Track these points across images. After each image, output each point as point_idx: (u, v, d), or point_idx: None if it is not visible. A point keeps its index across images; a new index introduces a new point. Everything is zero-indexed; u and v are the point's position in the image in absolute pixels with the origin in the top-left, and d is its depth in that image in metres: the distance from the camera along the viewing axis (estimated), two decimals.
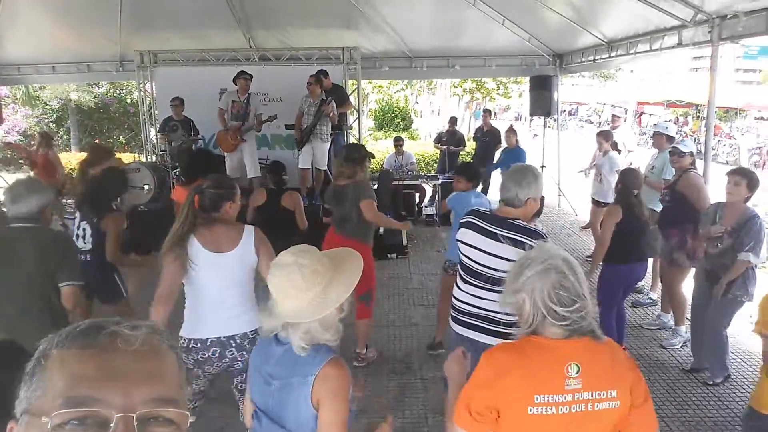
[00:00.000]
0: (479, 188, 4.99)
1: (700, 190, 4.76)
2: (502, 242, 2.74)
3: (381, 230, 6.92)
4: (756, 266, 3.94)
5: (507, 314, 2.81)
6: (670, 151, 5.07)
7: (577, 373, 1.56)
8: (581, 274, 1.65)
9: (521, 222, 2.78)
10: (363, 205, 4.13)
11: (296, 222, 4.68)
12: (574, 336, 1.61)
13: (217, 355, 2.72)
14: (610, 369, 1.61)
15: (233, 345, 2.73)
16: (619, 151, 7.79)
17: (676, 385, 4.26)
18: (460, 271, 3.04)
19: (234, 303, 2.75)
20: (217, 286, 2.73)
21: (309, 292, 1.62)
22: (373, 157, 5.10)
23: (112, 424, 0.65)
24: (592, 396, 1.56)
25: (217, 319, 2.73)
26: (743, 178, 3.93)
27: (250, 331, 2.75)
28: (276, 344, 1.73)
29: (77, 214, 3.99)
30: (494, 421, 1.59)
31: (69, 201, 9.60)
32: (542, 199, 3.67)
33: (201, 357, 2.71)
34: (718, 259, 4.09)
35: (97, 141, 17.46)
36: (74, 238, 3.86)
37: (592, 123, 32.76)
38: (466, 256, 2.95)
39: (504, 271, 2.73)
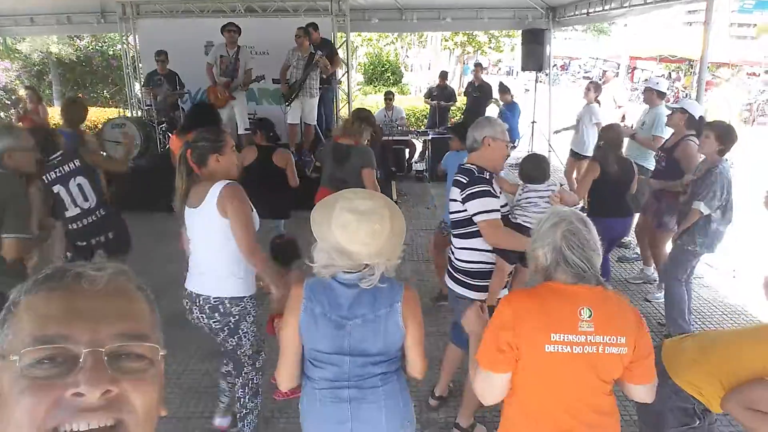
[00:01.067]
0: None
1: (692, 159, 4.64)
2: (453, 186, 2.89)
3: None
4: (710, 217, 3.93)
5: (461, 260, 2.93)
6: (654, 109, 5.03)
7: (589, 317, 1.70)
8: (592, 227, 1.80)
9: (471, 165, 2.85)
10: (365, 173, 4.12)
11: (287, 179, 4.65)
12: (583, 283, 1.75)
13: (188, 307, 2.75)
14: (619, 317, 1.74)
15: (197, 304, 2.70)
16: (619, 107, 7.79)
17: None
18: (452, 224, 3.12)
19: (203, 262, 2.71)
20: (194, 242, 2.74)
21: (384, 233, 1.77)
22: (377, 133, 5.07)
23: (81, 360, 0.66)
24: (603, 340, 1.70)
25: (192, 273, 2.77)
26: (711, 131, 3.92)
27: (214, 298, 2.66)
28: (343, 288, 1.82)
29: (58, 187, 3.62)
30: (515, 361, 1.75)
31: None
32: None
33: (184, 303, 2.77)
34: (682, 209, 4.21)
35: (80, 96, 17.04)
36: (68, 201, 3.63)
37: (589, 77, 32.40)
38: (451, 211, 3.03)
39: (454, 212, 2.88)
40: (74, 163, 3.63)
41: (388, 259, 1.80)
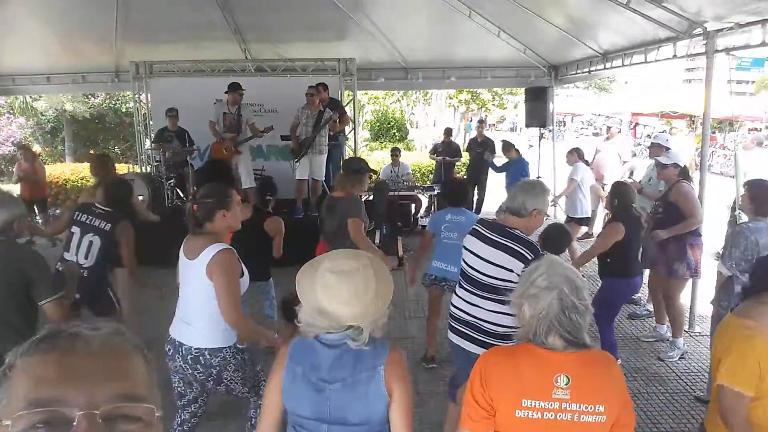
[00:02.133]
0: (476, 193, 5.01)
1: (687, 197, 4.77)
2: (498, 250, 2.81)
3: (377, 239, 6.89)
4: (733, 279, 3.72)
5: (498, 325, 2.84)
6: (655, 163, 5.10)
7: (566, 384, 1.64)
8: (584, 291, 1.72)
9: (520, 233, 2.81)
10: (349, 223, 4.05)
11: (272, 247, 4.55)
12: (570, 348, 1.69)
13: (170, 354, 2.77)
14: (601, 384, 1.68)
15: (179, 353, 2.73)
16: (624, 162, 7.91)
17: (675, 398, 4.22)
18: (460, 278, 3.09)
19: (188, 312, 2.78)
20: (183, 291, 2.82)
21: (369, 294, 1.69)
22: (375, 173, 5.07)
23: (74, 423, 0.65)
24: (579, 408, 1.64)
25: (177, 320, 2.82)
26: (746, 189, 3.89)
27: (195, 348, 2.69)
28: (325, 349, 1.73)
29: (76, 228, 3.80)
30: (493, 421, 1.71)
31: (57, 212, 9.58)
32: None
33: (167, 350, 2.79)
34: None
35: (92, 152, 17.37)
36: (71, 252, 3.75)
37: (598, 134, 32.79)
38: (466, 263, 3.00)
39: (498, 279, 2.81)
40: (106, 225, 3.77)
41: (374, 320, 1.71)
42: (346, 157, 9.59)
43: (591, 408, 1.64)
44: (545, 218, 3.03)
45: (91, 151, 17.45)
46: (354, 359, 1.72)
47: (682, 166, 4.96)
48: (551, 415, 1.64)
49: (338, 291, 1.68)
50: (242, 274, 2.76)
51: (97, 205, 3.86)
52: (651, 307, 5.71)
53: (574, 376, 1.65)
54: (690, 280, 5.02)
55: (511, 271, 2.75)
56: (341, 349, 1.72)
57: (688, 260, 4.75)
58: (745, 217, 4.03)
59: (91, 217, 3.78)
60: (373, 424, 1.74)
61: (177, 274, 2.87)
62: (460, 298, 3.03)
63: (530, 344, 1.72)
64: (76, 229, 3.78)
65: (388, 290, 1.76)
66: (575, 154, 7.62)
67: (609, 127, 8.98)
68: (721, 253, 3.81)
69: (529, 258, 2.70)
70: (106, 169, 5.14)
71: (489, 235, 2.87)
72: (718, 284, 3.80)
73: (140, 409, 0.70)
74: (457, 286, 3.13)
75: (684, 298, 5.10)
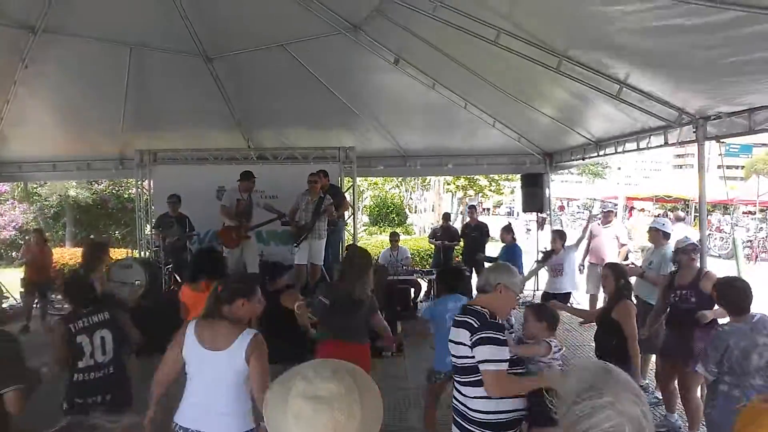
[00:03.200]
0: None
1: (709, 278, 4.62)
2: (458, 328, 2.82)
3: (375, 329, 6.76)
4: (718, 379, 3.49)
5: (480, 411, 2.73)
6: (682, 250, 4.95)
7: None
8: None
9: (480, 308, 2.79)
10: (376, 319, 4.10)
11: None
12: None
13: None
14: None
15: None
16: (623, 245, 7.99)
17: None
18: (455, 372, 2.98)
19: (219, 401, 2.73)
20: (205, 382, 2.76)
21: (353, 426, 1.34)
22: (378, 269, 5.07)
23: None
24: None
25: (196, 410, 2.76)
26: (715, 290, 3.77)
27: None
28: None
29: (81, 337, 3.55)
30: None
31: (59, 297, 9.48)
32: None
33: None
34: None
35: (92, 237, 17.44)
36: (88, 353, 3.54)
37: (595, 216, 33.08)
38: (454, 355, 2.91)
39: (460, 356, 2.75)
40: (104, 315, 3.66)
41: None
42: (345, 241, 9.65)
43: None
44: (518, 298, 3.05)
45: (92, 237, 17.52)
46: None
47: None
48: None
49: (313, 423, 1.31)
50: None
51: (79, 308, 3.67)
52: (659, 395, 5.49)
53: None
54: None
55: (462, 343, 2.74)
56: None
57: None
58: None
59: (86, 318, 3.59)
60: None
61: (182, 362, 2.82)
62: (455, 389, 2.96)
63: None
64: (81, 338, 3.53)
65: (377, 416, 1.41)
66: (562, 239, 7.73)
67: (606, 212, 9.04)
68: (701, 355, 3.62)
69: (474, 325, 2.68)
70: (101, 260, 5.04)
71: (456, 318, 2.90)
72: (705, 385, 3.65)
73: None
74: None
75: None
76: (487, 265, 9.13)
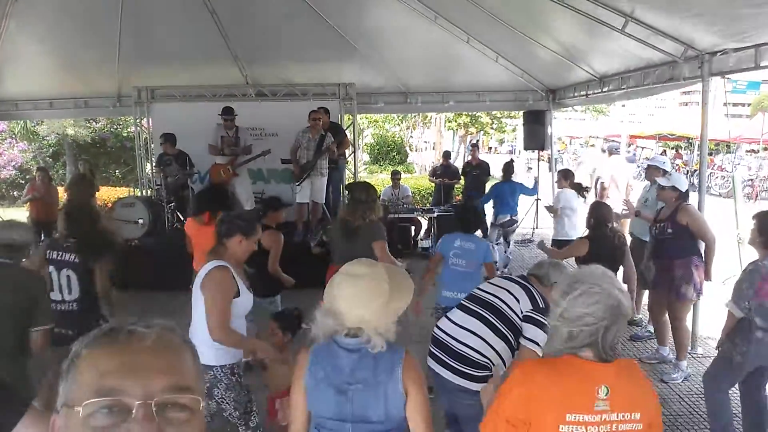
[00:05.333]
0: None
1: (699, 219, 4.78)
2: (512, 282, 2.95)
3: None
4: (752, 323, 3.43)
5: (483, 357, 2.80)
6: (655, 186, 5.11)
7: (606, 395, 1.64)
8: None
9: (540, 291, 2.89)
10: (376, 245, 4.11)
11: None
12: (605, 360, 1.70)
13: None
14: (635, 392, 1.70)
15: None
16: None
17: (679, 421, 4.18)
18: (465, 301, 3.04)
19: (193, 328, 2.83)
20: (195, 311, 2.86)
21: (376, 300, 1.81)
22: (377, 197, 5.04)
23: (133, 411, 0.75)
24: (618, 417, 1.65)
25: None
26: (756, 220, 3.66)
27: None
28: (345, 353, 1.84)
29: (51, 267, 3.61)
30: None
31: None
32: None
33: None
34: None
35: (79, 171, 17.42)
36: (55, 292, 3.58)
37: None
38: (482, 289, 3.02)
39: (499, 298, 2.87)
40: (72, 257, 3.61)
41: (380, 326, 1.81)
42: (346, 180, 9.67)
43: (629, 416, 1.65)
44: None
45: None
46: (374, 361, 1.82)
47: (684, 190, 4.92)
48: (594, 429, 1.63)
49: (341, 290, 1.83)
50: (238, 294, 2.81)
51: (66, 237, 3.69)
52: (652, 329, 5.68)
53: (612, 385, 1.65)
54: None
55: (512, 295, 2.84)
56: (360, 353, 1.82)
57: (694, 281, 4.72)
58: (747, 243, 3.95)
59: (60, 252, 3.62)
60: (393, 421, 1.85)
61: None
62: (454, 322, 2.95)
63: (568, 356, 1.71)
64: (51, 268, 3.61)
65: (400, 300, 1.87)
66: (567, 179, 7.62)
67: (603, 185, 8.89)
68: (733, 290, 3.56)
69: (539, 304, 2.77)
70: (76, 192, 5.02)
71: (518, 279, 3.00)
72: (728, 325, 3.56)
73: (187, 398, 0.80)
74: (453, 311, 3.06)
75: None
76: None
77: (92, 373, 0.78)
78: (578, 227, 7.30)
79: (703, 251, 4.82)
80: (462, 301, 3.06)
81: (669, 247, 4.83)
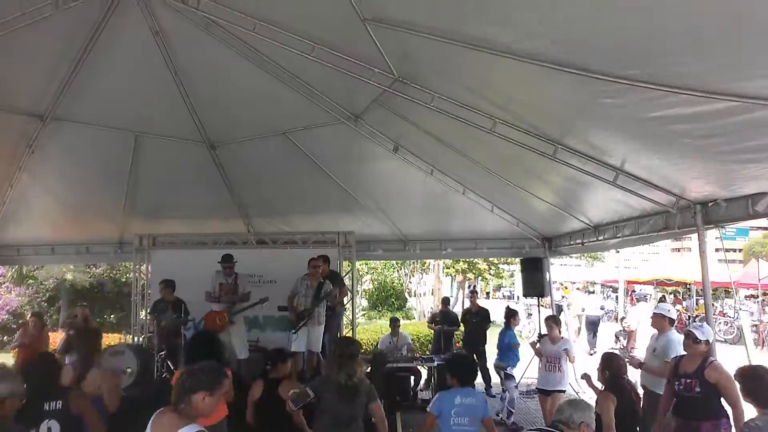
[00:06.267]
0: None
1: (730, 380, 4.33)
2: None
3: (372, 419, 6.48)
4: None
5: None
6: (685, 334, 4.87)
7: None
8: None
9: None
10: (375, 408, 3.94)
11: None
12: None
13: None
14: None
15: None
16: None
17: None
18: None
19: None
20: None
21: None
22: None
23: None
24: None
25: None
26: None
27: None
28: None
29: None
30: None
31: None
32: None
33: None
34: None
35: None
36: None
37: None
38: None
39: None
40: (56, 404, 3.34)
41: None
42: (343, 326, 9.47)
43: None
44: None
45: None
46: None
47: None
48: None
49: None
50: None
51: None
52: None
53: None
54: None
55: None
56: None
57: None
58: None
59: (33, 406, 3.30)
60: None
61: None
62: None
63: None
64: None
65: None
66: (557, 327, 7.31)
67: (630, 331, 8.82)
68: None
69: None
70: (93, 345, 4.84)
71: None
72: None
73: None
74: None
75: None
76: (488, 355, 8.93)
77: None
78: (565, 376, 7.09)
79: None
80: None
81: (696, 407, 4.45)
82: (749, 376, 3.49)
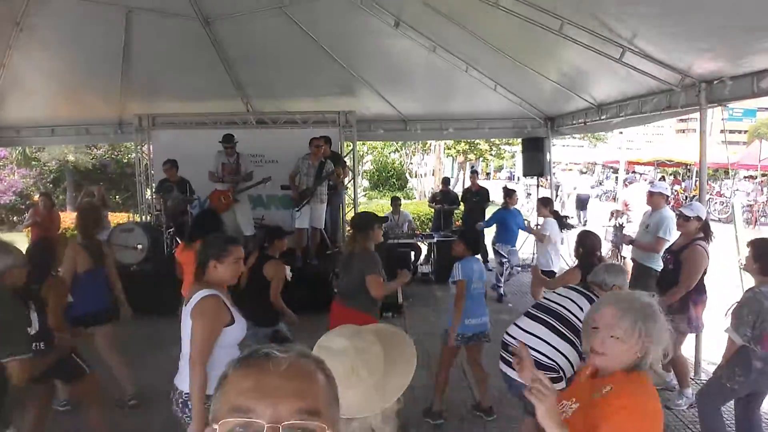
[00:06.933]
0: None
1: (693, 263, 4.64)
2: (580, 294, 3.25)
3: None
4: (752, 353, 3.45)
5: (551, 360, 3.06)
6: (677, 214, 5.04)
7: None
8: None
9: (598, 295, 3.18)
10: (368, 280, 3.99)
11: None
12: None
13: (172, 398, 2.82)
14: None
15: (173, 397, 2.79)
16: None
17: None
18: (531, 309, 3.33)
19: (183, 359, 2.79)
20: (183, 337, 2.82)
21: (368, 380, 1.37)
22: (384, 221, 5.02)
23: None
24: None
25: (180, 369, 2.83)
26: (752, 248, 3.69)
27: (186, 393, 2.72)
28: None
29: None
30: None
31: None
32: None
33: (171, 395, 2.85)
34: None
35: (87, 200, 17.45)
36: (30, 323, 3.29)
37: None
38: (547, 299, 3.33)
39: (566, 308, 3.17)
40: (36, 289, 3.45)
41: (373, 421, 1.37)
42: (346, 206, 9.69)
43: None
44: None
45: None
46: None
47: (704, 219, 4.85)
48: None
49: None
50: (231, 322, 2.76)
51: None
52: None
53: None
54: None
55: (580, 308, 3.12)
56: None
57: (689, 316, 4.68)
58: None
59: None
60: None
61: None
62: (519, 327, 3.25)
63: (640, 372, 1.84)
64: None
65: (400, 376, 1.42)
66: (547, 207, 7.64)
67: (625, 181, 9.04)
68: (732, 316, 3.54)
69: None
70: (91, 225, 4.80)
71: (586, 292, 3.29)
72: (728, 352, 3.54)
73: (315, 424, 0.82)
74: (522, 318, 3.34)
75: (688, 347, 5.03)
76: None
77: (231, 394, 0.84)
78: (560, 258, 7.36)
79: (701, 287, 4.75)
80: (528, 309, 3.36)
81: (670, 279, 4.78)
82: (759, 245, 3.62)
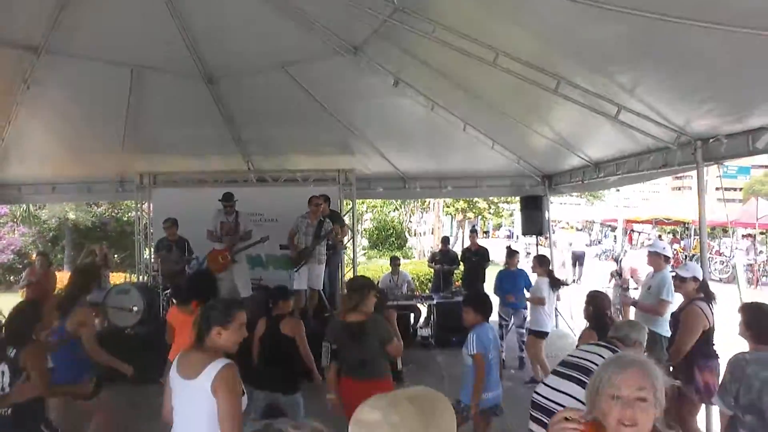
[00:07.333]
0: None
1: (687, 325, 4.52)
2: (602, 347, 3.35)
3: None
4: (737, 420, 3.23)
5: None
6: (673, 276, 4.99)
7: None
8: None
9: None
10: (394, 347, 3.91)
11: (300, 354, 4.37)
12: None
13: None
14: None
15: None
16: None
17: None
18: (558, 367, 3.30)
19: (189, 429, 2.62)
20: (178, 413, 2.66)
21: None
22: (379, 292, 4.87)
23: None
24: None
25: None
26: (742, 314, 3.59)
27: None
28: None
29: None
30: None
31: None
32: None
33: None
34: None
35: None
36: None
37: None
38: (573, 355, 3.34)
39: (588, 360, 3.17)
40: (11, 351, 3.35)
41: None
42: (345, 265, 9.60)
43: None
44: None
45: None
46: None
47: (701, 279, 4.78)
48: None
49: None
50: (243, 393, 2.63)
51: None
52: None
53: None
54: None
55: (601, 356, 3.12)
56: None
57: (696, 384, 4.47)
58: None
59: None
60: None
61: (166, 395, 2.73)
62: (548, 386, 3.22)
63: None
64: None
65: None
66: (542, 266, 7.52)
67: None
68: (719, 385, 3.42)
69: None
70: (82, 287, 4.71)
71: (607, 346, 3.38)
72: (722, 425, 3.36)
73: None
74: (551, 375, 3.32)
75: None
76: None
77: None
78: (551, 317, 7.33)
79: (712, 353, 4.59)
80: (555, 368, 3.34)
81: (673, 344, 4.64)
82: (750, 310, 3.48)
